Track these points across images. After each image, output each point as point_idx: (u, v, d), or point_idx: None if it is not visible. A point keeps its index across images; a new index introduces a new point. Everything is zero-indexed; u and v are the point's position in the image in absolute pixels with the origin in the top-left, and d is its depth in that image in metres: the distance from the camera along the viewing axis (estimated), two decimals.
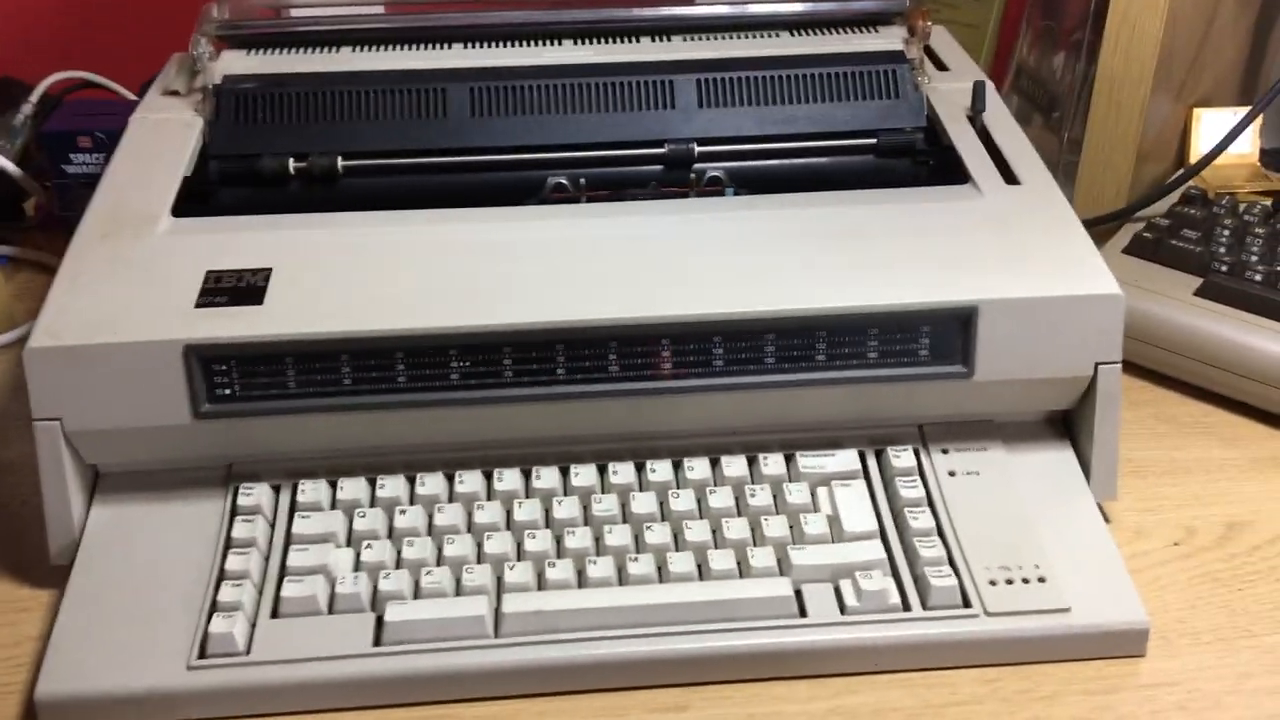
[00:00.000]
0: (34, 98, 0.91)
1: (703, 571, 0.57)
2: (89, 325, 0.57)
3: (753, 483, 0.61)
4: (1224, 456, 0.69)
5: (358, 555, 0.58)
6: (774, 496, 0.60)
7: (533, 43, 0.78)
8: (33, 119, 0.91)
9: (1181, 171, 0.82)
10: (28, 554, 0.62)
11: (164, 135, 0.71)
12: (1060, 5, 0.89)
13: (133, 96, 0.94)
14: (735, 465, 0.61)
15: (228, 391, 0.58)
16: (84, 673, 0.54)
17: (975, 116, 0.73)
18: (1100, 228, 0.79)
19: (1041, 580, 0.57)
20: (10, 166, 0.86)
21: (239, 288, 0.60)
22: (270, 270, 0.60)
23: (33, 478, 0.65)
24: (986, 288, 0.60)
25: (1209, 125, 0.86)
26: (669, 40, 0.79)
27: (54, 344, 0.57)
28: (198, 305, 0.59)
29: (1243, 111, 0.81)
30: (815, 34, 0.80)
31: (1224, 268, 0.75)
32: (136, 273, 0.60)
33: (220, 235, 0.63)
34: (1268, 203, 0.81)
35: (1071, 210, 0.65)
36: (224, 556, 0.58)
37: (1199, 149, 0.86)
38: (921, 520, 0.59)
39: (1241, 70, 0.90)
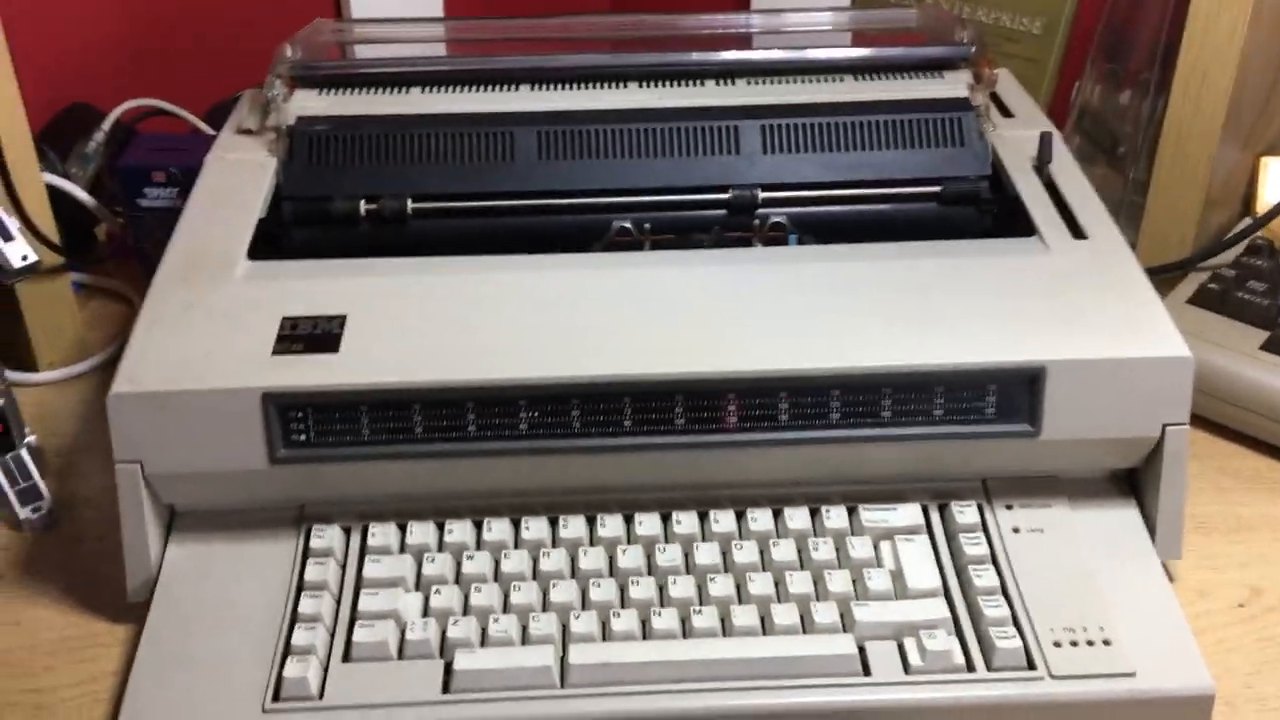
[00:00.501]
0: (106, 125, 0.93)
1: (766, 625, 0.58)
2: (170, 372, 0.59)
3: (815, 535, 0.61)
4: None
5: (426, 600, 0.59)
6: (837, 550, 0.61)
7: (598, 85, 0.79)
8: (104, 147, 0.92)
9: (1249, 222, 0.82)
10: (103, 589, 0.63)
11: (239, 175, 0.72)
12: (1126, 46, 0.89)
13: (201, 123, 0.95)
14: (798, 518, 0.62)
15: (303, 437, 0.59)
16: (162, 713, 0.55)
17: (1041, 167, 0.73)
18: (1165, 277, 0.79)
19: (1106, 643, 0.57)
20: (84, 196, 0.88)
21: (315, 335, 0.61)
22: (345, 317, 0.62)
23: (106, 511, 0.67)
24: (1055, 348, 0.60)
25: (1277, 174, 0.85)
26: (733, 84, 0.79)
27: (136, 390, 0.58)
28: (275, 352, 0.60)
29: None
30: (880, 79, 0.80)
31: None
32: (215, 318, 0.62)
33: (295, 281, 0.64)
34: None
35: (1140, 268, 0.65)
36: (297, 598, 0.59)
37: (1266, 198, 0.85)
38: (985, 578, 0.59)
39: None
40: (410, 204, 0.71)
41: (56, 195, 0.85)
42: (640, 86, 0.79)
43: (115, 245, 0.90)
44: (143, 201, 0.84)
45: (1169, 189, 0.81)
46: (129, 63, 1.02)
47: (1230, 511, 0.68)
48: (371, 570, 0.60)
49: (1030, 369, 0.60)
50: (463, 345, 0.60)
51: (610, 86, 0.79)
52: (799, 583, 0.59)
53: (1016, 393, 0.60)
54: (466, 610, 0.59)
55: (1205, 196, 0.80)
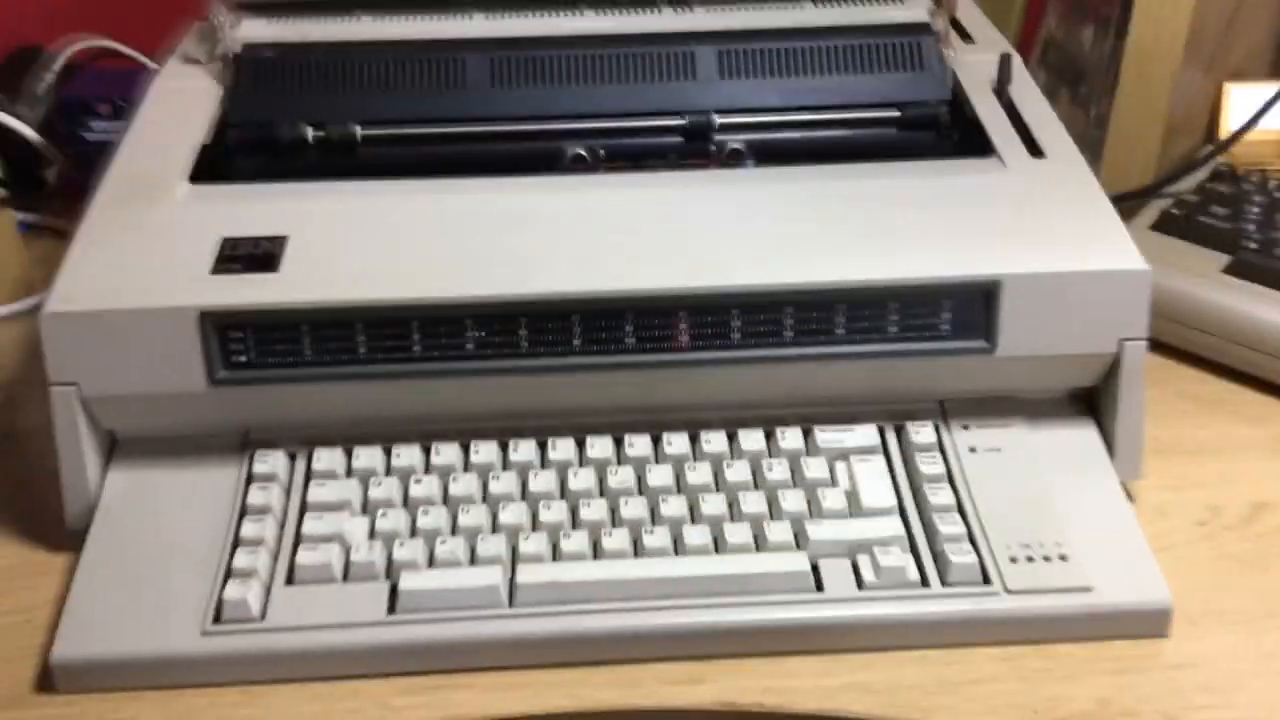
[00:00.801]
0: (56, 66, 0.91)
1: (718, 545, 0.57)
2: (105, 291, 0.57)
3: (770, 457, 0.60)
4: (1250, 435, 0.68)
5: (372, 524, 0.58)
6: (791, 471, 0.60)
7: (552, 11, 0.77)
8: (55, 87, 0.90)
9: (1210, 147, 0.81)
10: (44, 519, 0.62)
11: (183, 102, 0.71)
12: None
13: (153, 65, 0.93)
14: (752, 439, 0.61)
15: (243, 358, 0.58)
16: (99, 637, 0.54)
17: (1001, 89, 0.72)
18: (1127, 204, 0.78)
19: (1063, 558, 0.56)
20: (31, 133, 0.86)
21: (255, 255, 0.59)
22: (286, 238, 0.60)
23: (48, 444, 0.65)
24: (1010, 261, 0.59)
25: (1239, 100, 0.85)
26: (690, 10, 0.78)
27: (70, 309, 0.57)
28: (214, 272, 0.58)
29: (1274, 86, 0.79)
30: (838, 4, 0.78)
31: (1253, 245, 0.74)
32: (153, 239, 0.60)
33: (237, 202, 0.63)
34: None
35: (1098, 184, 0.64)
36: (239, 523, 0.58)
37: (1229, 124, 0.85)
38: (941, 496, 0.58)
39: (1273, 44, 0.89)
40: (359, 130, 0.70)
41: (4, 136, 0.83)
42: (595, 12, 0.77)
43: (63, 185, 0.88)
44: (87, 135, 0.82)
45: (1131, 115, 0.80)
46: (81, 4, 1.00)
47: (1191, 434, 0.68)
48: (316, 494, 0.59)
49: (985, 283, 0.59)
50: (407, 263, 0.59)
51: (565, 12, 0.77)
52: (752, 503, 0.58)
53: (972, 308, 0.59)
54: (414, 533, 0.57)
55: (1167, 122, 0.79)
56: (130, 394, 0.58)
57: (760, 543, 0.57)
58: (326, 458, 0.60)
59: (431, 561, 0.56)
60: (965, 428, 0.62)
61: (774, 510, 0.58)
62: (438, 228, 0.61)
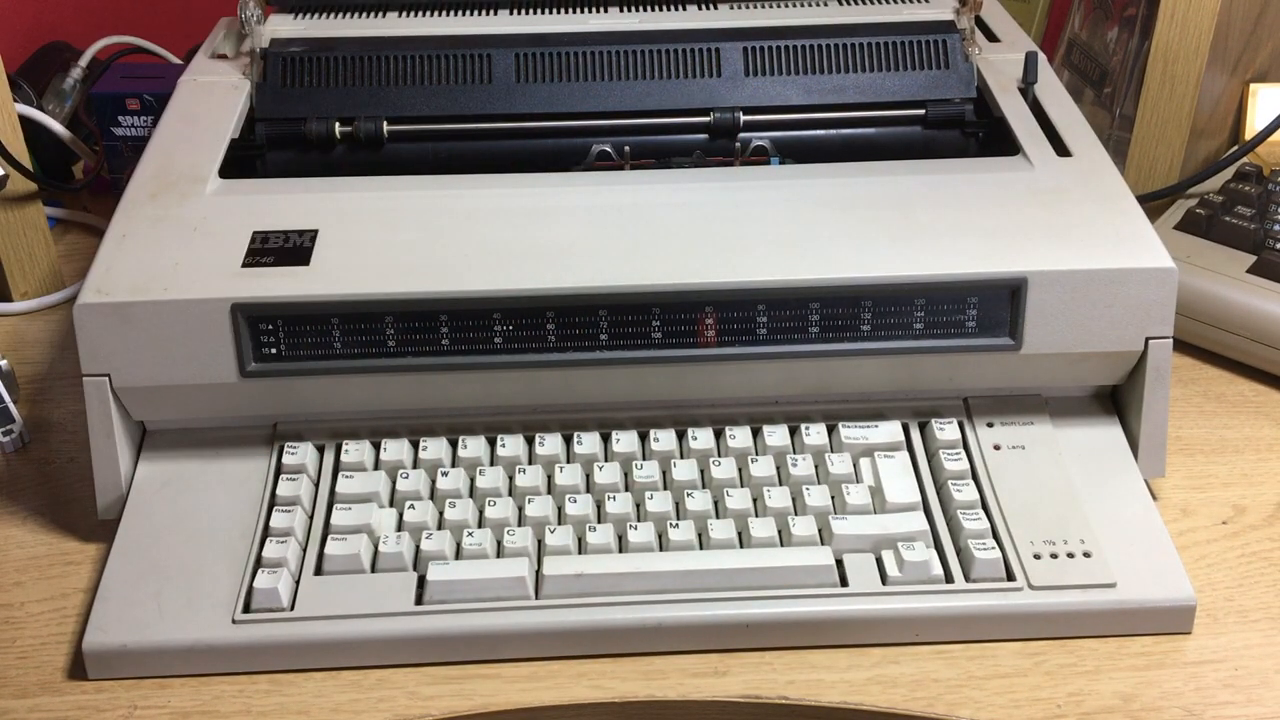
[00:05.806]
0: (83, 62, 0.92)
1: (743, 539, 0.57)
2: (138, 283, 0.58)
3: (795, 453, 0.61)
4: (1274, 436, 0.68)
5: (400, 515, 0.58)
6: (816, 467, 0.60)
7: (578, 9, 0.78)
8: (82, 83, 0.91)
9: (1235, 148, 0.81)
10: (75, 509, 0.62)
11: (212, 98, 0.71)
12: None
13: (180, 62, 0.94)
14: (777, 435, 0.61)
15: (273, 350, 0.59)
16: (130, 625, 0.54)
17: (1027, 88, 0.72)
18: (1152, 204, 0.78)
19: (1087, 555, 0.56)
20: (59, 128, 0.86)
21: (285, 248, 0.60)
22: (316, 232, 0.61)
23: (78, 435, 0.66)
24: (1036, 259, 0.59)
25: (1265, 101, 0.84)
26: (716, 8, 0.78)
27: (103, 300, 0.57)
28: (245, 265, 0.59)
29: None
30: (864, 3, 0.79)
31: (1278, 245, 0.73)
32: (184, 232, 0.61)
33: (267, 197, 0.63)
34: None
35: (1124, 183, 0.64)
36: (269, 514, 0.58)
37: (1254, 125, 0.84)
38: (965, 493, 0.59)
39: None
40: (387, 126, 0.70)
41: (33, 131, 0.84)
42: (621, 9, 0.78)
43: (91, 180, 0.89)
44: (117, 130, 0.83)
45: (1156, 115, 0.80)
46: (109, 2, 1.01)
47: (1215, 434, 0.68)
48: (345, 486, 0.59)
49: (1012, 280, 0.59)
50: (436, 258, 0.59)
51: (591, 10, 0.78)
52: (777, 498, 0.58)
53: (998, 305, 0.60)
54: (441, 525, 0.58)
55: (1192, 122, 0.79)
56: (162, 385, 0.59)
57: (785, 537, 0.57)
58: (355, 450, 0.61)
59: (459, 553, 0.57)
60: (989, 425, 0.62)
61: (798, 505, 0.59)
62: (466, 223, 0.61)
